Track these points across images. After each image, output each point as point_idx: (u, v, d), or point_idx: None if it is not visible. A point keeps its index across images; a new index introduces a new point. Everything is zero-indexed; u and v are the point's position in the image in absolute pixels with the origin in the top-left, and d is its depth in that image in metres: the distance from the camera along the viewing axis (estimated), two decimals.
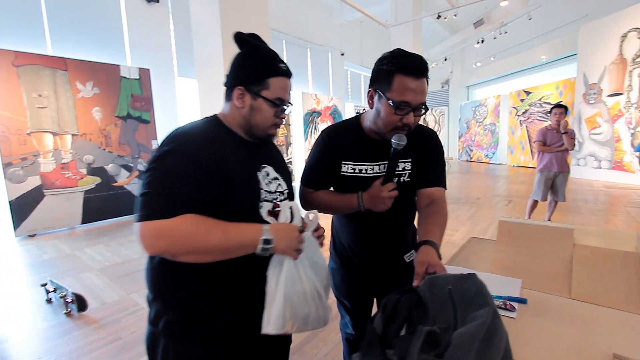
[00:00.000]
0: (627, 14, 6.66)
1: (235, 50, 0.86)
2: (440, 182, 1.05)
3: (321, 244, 0.88)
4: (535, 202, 4.03)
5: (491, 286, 0.83)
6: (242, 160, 0.82)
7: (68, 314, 2.32)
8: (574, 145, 3.74)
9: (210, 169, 0.73)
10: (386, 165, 1.02)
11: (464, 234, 3.95)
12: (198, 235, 0.68)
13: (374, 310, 1.17)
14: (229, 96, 0.85)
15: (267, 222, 0.79)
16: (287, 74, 0.85)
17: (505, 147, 11.36)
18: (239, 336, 0.81)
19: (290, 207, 0.83)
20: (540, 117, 9.63)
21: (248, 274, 0.79)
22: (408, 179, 1.06)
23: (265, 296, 0.77)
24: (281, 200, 0.88)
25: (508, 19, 9.56)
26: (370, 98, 0.98)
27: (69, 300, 2.34)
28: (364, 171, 1.04)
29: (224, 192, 0.75)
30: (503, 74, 12.60)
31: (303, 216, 0.85)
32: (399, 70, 0.88)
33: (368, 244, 1.13)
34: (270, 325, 0.74)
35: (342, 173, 1.06)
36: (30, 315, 2.36)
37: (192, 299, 0.76)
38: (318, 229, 0.88)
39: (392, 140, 0.94)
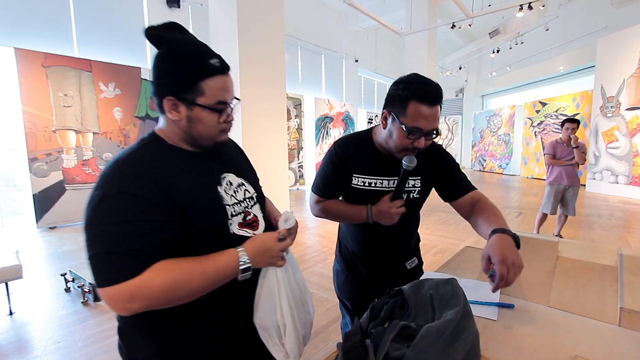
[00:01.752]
0: None
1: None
2: (470, 186, 1.09)
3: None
4: (545, 216, 3.99)
5: (473, 292, 0.89)
6: (197, 180, 0.71)
7: (85, 303, 2.45)
8: (584, 159, 3.71)
9: (163, 203, 0.63)
10: (395, 180, 1.06)
11: (471, 244, 3.95)
12: (177, 285, 0.61)
13: None
14: (161, 108, 0.72)
15: (241, 236, 0.75)
16: (222, 70, 0.72)
17: (520, 158, 11.21)
18: None
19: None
20: (555, 129, 9.48)
21: (230, 295, 0.74)
22: (417, 196, 1.10)
23: (262, 322, 0.76)
24: (252, 206, 0.83)
25: (524, 30, 9.48)
26: (384, 119, 1.01)
27: (87, 290, 2.48)
28: (373, 185, 1.08)
29: (186, 223, 0.66)
30: (519, 84, 12.44)
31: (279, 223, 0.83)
32: (414, 97, 0.91)
33: (372, 252, 1.19)
34: (290, 357, 0.78)
35: (352, 185, 1.10)
36: (49, 302, 2.51)
37: (170, 331, 0.70)
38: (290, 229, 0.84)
39: (403, 161, 0.98)
